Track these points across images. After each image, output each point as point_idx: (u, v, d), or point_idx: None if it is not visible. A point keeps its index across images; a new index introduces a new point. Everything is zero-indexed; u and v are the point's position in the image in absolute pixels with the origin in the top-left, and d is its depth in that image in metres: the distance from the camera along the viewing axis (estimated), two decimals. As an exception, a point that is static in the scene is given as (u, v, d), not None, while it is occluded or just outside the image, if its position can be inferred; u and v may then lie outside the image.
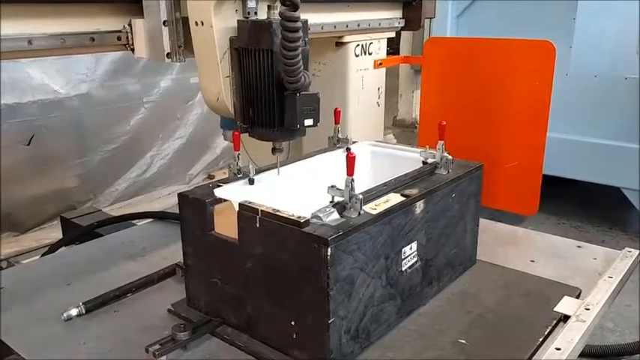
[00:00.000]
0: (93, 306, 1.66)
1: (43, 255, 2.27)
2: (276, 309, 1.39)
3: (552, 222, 4.31)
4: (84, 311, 1.63)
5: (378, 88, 2.60)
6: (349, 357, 1.37)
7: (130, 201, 4.84)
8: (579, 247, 2.05)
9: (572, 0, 3.96)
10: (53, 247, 2.43)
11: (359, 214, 1.36)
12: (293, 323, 1.35)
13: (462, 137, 2.03)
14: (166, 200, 4.82)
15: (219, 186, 1.57)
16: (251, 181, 1.62)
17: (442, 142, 1.70)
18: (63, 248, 2.38)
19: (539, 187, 2.29)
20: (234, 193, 1.55)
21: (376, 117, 2.63)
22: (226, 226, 1.49)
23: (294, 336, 1.36)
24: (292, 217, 1.30)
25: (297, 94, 1.48)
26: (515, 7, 4.23)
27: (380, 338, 1.46)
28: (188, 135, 5.25)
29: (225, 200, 1.51)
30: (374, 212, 1.38)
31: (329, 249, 1.23)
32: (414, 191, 1.53)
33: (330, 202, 1.39)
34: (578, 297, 1.67)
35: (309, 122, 1.53)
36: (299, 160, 1.85)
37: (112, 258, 2.02)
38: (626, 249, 1.92)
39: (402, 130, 6.40)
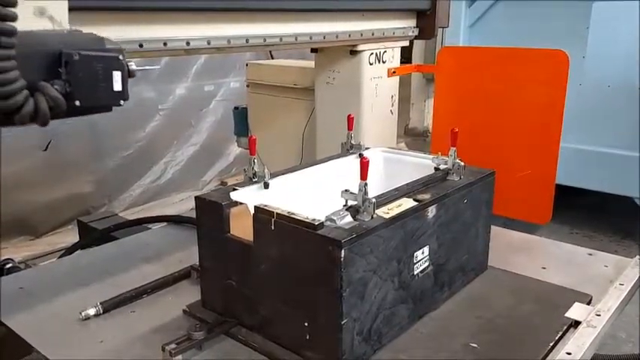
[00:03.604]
0: (110, 306, 1.69)
1: (60, 257, 2.33)
2: (290, 310, 1.41)
3: (565, 232, 4.29)
4: (101, 311, 1.67)
5: (392, 97, 2.63)
6: (361, 358, 1.39)
7: (144, 207, 4.90)
8: (590, 254, 2.06)
9: (586, 10, 3.97)
10: (70, 250, 2.48)
11: (372, 217, 1.38)
12: (306, 324, 1.37)
13: (474, 145, 2.04)
14: (180, 206, 4.87)
15: (235, 189, 1.60)
16: (266, 185, 1.66)
17: (454, 148, 1.73)
18: (79, 251, 2.43)
19: (553, 196, 2.30)
20: (249, 196, 1.58)
21: (390, 125, 2.66)
22: (242, 228, 1.52)
23: (307, 337, 1.38)
24: (307, 220, 1.33)
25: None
26: (528, 17, 4.25)
27: (391, 341, 1.48)
28: (202, 142, 5.32)
29: (241, 203, 1.54)
30: (387, 216, 1.41)
31: (342, 251, 1.25)
32: (426, 196, 1.55)
33: (344, 205, 1.41)
34: (589, 304, 1.68)
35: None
36: (312, 165, 1.88)
37: (128, 260, 2.06)
38: (638, 257, 1.92)
39: (413, 139, 6.42)
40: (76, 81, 1.02)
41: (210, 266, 1.63)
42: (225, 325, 1.54)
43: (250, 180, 1.68)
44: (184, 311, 1.68)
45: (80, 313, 1.64)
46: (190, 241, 2.17)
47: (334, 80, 2.56)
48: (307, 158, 2.86)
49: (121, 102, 1.08)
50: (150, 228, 2.53)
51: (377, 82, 2.52)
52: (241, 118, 3.59)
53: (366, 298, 1.36)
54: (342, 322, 1.30)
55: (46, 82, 1.01)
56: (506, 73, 2.34)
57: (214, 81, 5.33)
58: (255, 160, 1.68)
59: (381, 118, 2.59)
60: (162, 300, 1.78)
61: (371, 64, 2.47)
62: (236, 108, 3.65)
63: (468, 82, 2.47)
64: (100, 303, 1.68)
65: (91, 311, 1.65)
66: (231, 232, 1.54)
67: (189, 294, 1.76)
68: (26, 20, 1.16)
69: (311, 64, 2.98)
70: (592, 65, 3.95)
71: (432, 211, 1.55)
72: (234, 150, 5.53)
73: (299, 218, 1.34)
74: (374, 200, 1.38)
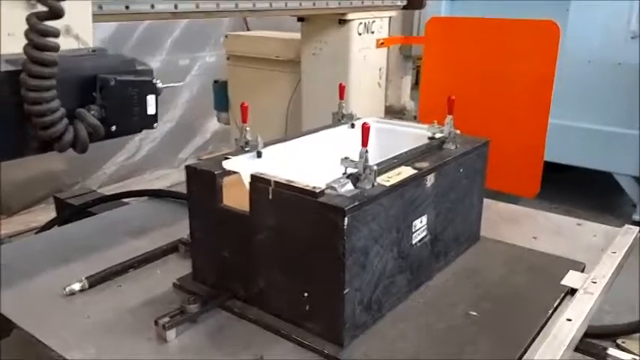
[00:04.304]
0: (95, 280, 1.62)
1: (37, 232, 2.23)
2: (289, 281, 1.37)
3: (545, 206, 4.34)
4: (87, 286, 1.60)
5: (380, 69, 2.59)
6: (362, 328, 1.36)
7: (119, 184, 4.77)
8: (579, 224, 2.07)
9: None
10: (47, 226, 2.39)
11: (372, 185, 1.35)
12: (306, 295, 1.34)
13: (463, 118, 2.02)
14: (155, 183, 4.76)
15: (228, 158, 1.54)
16: (259, 154, 1.60)
17: (451, 116, 1.70)
18: (57, 226, 2.34)
19: (541, 169, 2.31)
20: (242, 165, 1.52)
21: (377, 98, 2.63)
22: (235, 198, 1.47)
23: (307, 307, 1.34)
24: (307, 188, 1.28)
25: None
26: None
27: (391, 310, 1.46)
28: (177, 118, 5.19)
29: (234, 172, 1.49)
30: (387, 184, 1.37)
31: (345, 219, 1.22)
32: (424, 164, 1.52)
33: (344, 173, 1.37)
34: (582, 271, 1.69)
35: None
36: (305, 134, 1.82)
37: (110, 234, 1.98)
38: (627, 226, 1.94)
39: (391, 117, 6.40)
40: (112, 106, 1.02)
41: (201, 238, 1.57)
42: (220, 298, 1.49)
43: (242, 149, 1.62)
44: (174, 285, 1.62)
45: (64, 289, 1.57)
46: (175, 215, 2.12)
47: (321, 51, 2.50)
48: (292, 132, 2.80)
49: (155, 125, 1.08)
50: (128, 204, 2.45)
51: (365, 54, 2.47)
52: (221, 92, 3.50)
53: (367, 267, 1.33)
54: (345, 292, 1.27)
55: (84, 109, 0.99)
56: (496, 44, 2.32)
57: (190, 55, 5.19)
58: (248, 129, 1.61)
59: (368, 91, 2.55)
60: (151, 274, 1.72)
61: (360, 34, 2.42)
62: (216, 82, 3.55)
63: (457, 54, 2.44)
64: (86, 278, 1.61)
65: (76, 286, 1.58)
66: (223, 203, 1.49)
67: (178, 268, 1.71)
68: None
69: (294, 35, 2.91)
70: (573, 41, 3.97)
71: (430, 180, 1.52)
72: (211, 127, 5.42)
73: (299, 186, 1.30)
74: (375, 168, 1.34)
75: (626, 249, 1.77)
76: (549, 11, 3.90)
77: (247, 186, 1.40)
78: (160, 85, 1.15)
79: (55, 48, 0.92)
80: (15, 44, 1.12)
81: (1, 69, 0.97)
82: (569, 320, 1.37)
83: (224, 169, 1.49)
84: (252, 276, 1.45)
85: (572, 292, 1.56)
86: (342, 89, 1.94)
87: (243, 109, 1.59)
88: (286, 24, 3.03)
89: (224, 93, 3.48)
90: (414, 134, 1.84)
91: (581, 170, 4.21)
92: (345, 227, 1.22)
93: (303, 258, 1.32)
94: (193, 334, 1.40)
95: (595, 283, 1.55)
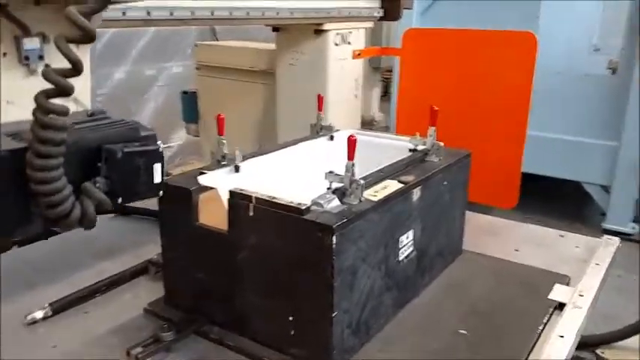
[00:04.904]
0: (60, 307, 1.50)
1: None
2: (271, 304, 1.29)
3: (519, 217, 4.38)
4: (50, 313, 1.48)
5: (356, 80, 2.55)
6: (350, 353, 1.29)
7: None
8: (561, 236, 2.06)
9: (536, 0, 4.04)
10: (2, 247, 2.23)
11: (360, 200, 1.28)
12: (291, 319, 1.26)
13: (441, 129, 1.98)
14: (121, 198, 4.59)
15: (204, 173, 1.45)
16: (237, 168, 1.52)
17: (434, 127, 1.66)
18: (15, 247, 2.18)
19: (519, 180, 2.29)
20: (219, 180, 1.44)
21: (354, 109, 2.58)
22: (212, 216, 1.38)
23: (292, 332, 1.26)
24: (292, 205, 1.21)
25: None
26: (479, 6, 4.27)
27: (379, 332, 1.39)
28: (143, 130, 5.04)
29: (210, 188, 1.40)
30: (374, 199, 1.31)
31: (334, 237, 1.15)
32: (410, 178, 1.47)
33: (328, 188, 1.30)
34: (567, 285, 1.66)
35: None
36: (283, 147, 1.75)
37: (73, 256, 1.85)
38: (606, 237, 1.94)
39: (360, 129, 6.40)
40: (119, 178, 0.99)
41: (174, 259, 1.47)
42: (196, 324, 1.39)
43: (218, 163, 1.53)
44: (145, 310, 1.51)
45: (25, 317, 1.44)
46: (144, 233, 2.00)
47: (297, 62, 2.44)
48: (269, 144, 2.73)
49: (160, 192, 1.06)
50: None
51: (342, 64, 2.42)
52: (190, 103, 3.40)
53: (355, 288, 1.26)
54: (333, 315, 1.19)
55: (90, 183, 0.96)
56: (474, 55, 2.31)
57: (156, 65, 5.06)
58: (224, 141, 1.53)
59: (345, 102, 2.50)
60: (119, 298, 1.60)
61: (336, 44, 2.37)
62: (185, 92, 3.44)
63: (434, 65, 2.42)
64: (49, 304, 1.48)
65: (38, 314, 1.46)
66: (199, 221, 1.40)
67: (148, 291, 1.60)
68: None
69: (267, 45, 2.85)
70: (541, 52, 4.02)
71: (416, 194, 1.47)
72: (178, 138, 5.29)
73: (282, 203, 1.22)
74: (362, 182, 1.28)
75: (609, 260, 1.75)
76: (520, 25, 3.96)
77: (225, 203, 1.32)
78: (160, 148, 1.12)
79: (64, 127, 0.88)
80: (14, 111, 1.13)
81: (5, 146, 0.93)
82: (561, 337, 1.33)
83: (199, 184, 1.40)
84: (231, 299, 1.36)
85: (560, 306, 1.52)
86: (320, 100, 1.88)
87: (220, 121, 1.51)
88: (256, 34, 2.95)
89: (193, 104, 3.38)
90: (393, 146, 1.79)
91: (551, 180, 4.25)
92: (334, 246, 1.15)
93: (288, 279, 1.24)
94: (169, 364, 1.30)
95: (582, 296, 1.52)
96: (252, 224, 1.27)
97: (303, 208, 1.19)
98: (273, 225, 1.23)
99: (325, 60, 2.35)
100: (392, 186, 1.40)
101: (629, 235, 3.96)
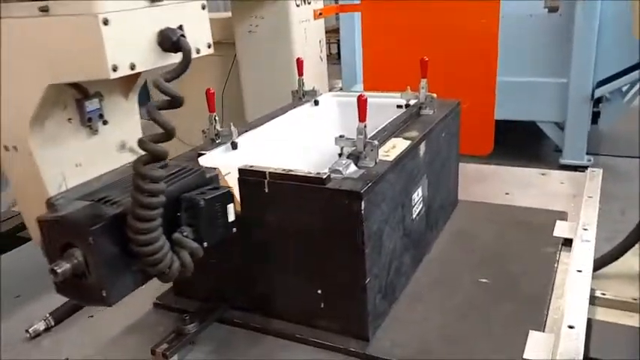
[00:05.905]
0: (61, 315, 1.40)
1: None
2: (297, 279, 1.24)
3: (475, 161, 4.48)
4: (52, 323, 1.37)
5: (320, 41, 2.46)
6: (382, 317, 1.27)
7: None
8: (543, 174, 2.11)
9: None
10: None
11: (375, 162, 1.24)
12: (320, 292, 1.22)
13: (409, 81, 1.96)
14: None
15: (202, 154, 1.37)
16: (234, 145, 1.44)
17: (425, 79, 1.63)
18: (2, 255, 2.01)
19: (493, 126, 2.32)
20: (219, 160, 1.36)
21: (321, 73, 2.50)
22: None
23: (322, 305, 1.23)
24: (311, 175, 1.15)
25: None
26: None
27: (402, 291, 1.38)
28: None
29: (213, 169, 1.32)
30: (389, 159, 1.28)
31: (362, 202, 1.10)
32: (414, 133, 1.44)
33: (339, 153, 1.26)
34: (566, 220, 1.70)
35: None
36: (272, 118, 1.67)
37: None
38: (590, 169, 1.99)
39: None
40: (203, 225, 1.04)
41: (181, 247, 1.39)
42: (217, 311, 1.33)
43: (213, 142, 1.45)
44: (155, 304, 1.44)
45: (27, 331, 1.34)
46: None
47: (257, 28, 2.32)
48: (232, 121, 2.62)
49: (234, 230, 1.11)
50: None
51: (305, 26, 2.33)
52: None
53: (382, 252, 1.23)
54: (366, 281, 1.16)
55: (179, 235, 1.01)
56: (437, 3, 2.27)
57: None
58: (217, 118, 1.44)
59: (312, 66, 2.41)
60: (123, 296, 1.51)
61: (297, 5, 2.27)
62: (133, 72, 3.23)
63: (396, 16, 2.37)
64: (49, 314, 1.38)
65: (40, 325, 1.36)
66: (205, 204, 1.32)
67: (150, 284, 1.50)
68: (111, 155, 1.39)
69: (221, 14, 2.71)
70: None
71: (422, 149, 1.45)
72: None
73: (300, 174, 1.16)
74: (376, 142, 1.24)
75: (599, 192, 1.81)
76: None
77: (232, 181, 1.24)
78: None
79: (161, 191, 0.94)
80: (82, 175, 1.18)
81: (81, 210, 0.98)
82: (579, 271, 1.36)
83: (201, 166, 1.31)
84: (251, 280, 1.31)
85: (566, 241, 1.56)
86: (299, 64, 1.80)
87: (210, 96, 1.42)
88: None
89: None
90: (380, 104, 1.74)
91: (501, 122, 4.34)
92: (363, 211, 1.11)
93: (314, 252, 1.20)
94: (198, 356, 1.24)
95: (587, 230, 1.56)
96: (267, 200, 1.20)
97: (324, 177, 1.14)
98: (293, 198, 1.18)
99: (289, 22, 2.25)
100: (400, 144, 1.37)
101: (586, 167, 4.14)
